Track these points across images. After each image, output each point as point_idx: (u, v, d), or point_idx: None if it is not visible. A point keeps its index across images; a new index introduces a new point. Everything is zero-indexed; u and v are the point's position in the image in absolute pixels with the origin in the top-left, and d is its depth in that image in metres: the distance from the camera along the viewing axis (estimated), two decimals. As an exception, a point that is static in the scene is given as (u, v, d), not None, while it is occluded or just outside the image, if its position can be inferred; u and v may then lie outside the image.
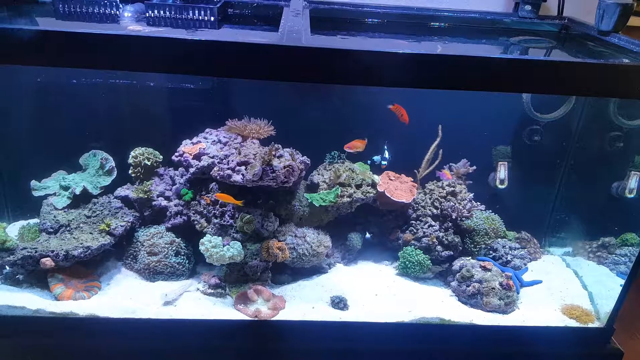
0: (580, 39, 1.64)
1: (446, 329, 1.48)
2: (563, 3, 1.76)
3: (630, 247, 1.71)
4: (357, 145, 1.58)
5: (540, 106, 1.68)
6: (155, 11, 1.49)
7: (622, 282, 1.48)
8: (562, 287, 1.67)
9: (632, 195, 1.71)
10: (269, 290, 1.53)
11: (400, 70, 1.09)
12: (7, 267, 1.47)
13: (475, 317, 1.50)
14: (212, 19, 1.50)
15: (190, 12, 1.50)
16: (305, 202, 1.64)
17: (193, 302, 1.49)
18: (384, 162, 1.66)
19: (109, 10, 1.49)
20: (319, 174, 1.70)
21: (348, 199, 1.63)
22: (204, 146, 1.59)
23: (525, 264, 1.71)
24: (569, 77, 1.12)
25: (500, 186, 1.76)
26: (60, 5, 1.47)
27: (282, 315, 1.46)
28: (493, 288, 1.53)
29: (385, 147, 1.66)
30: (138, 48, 1.04)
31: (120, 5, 1.49)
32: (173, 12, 1.50)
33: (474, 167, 1.73)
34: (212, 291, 1.53)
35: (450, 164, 1.75)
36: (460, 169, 1.74)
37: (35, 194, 1.60)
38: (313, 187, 1.68)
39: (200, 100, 1.69)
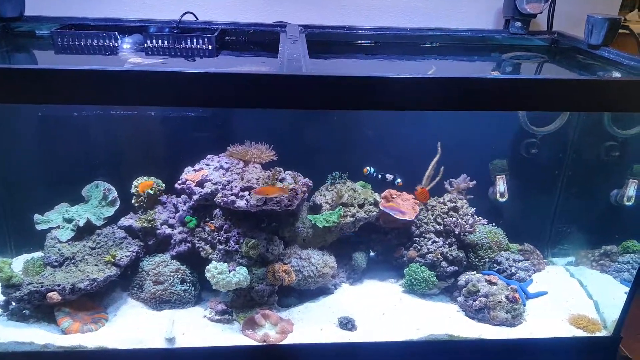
0: (570, 52, 1.68)
1: (455, 345, 1.48)
2: (552, 18, 1.81)
3: (632, 255, 1.73)
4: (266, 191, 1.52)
5: (536, 119, 1.71)
6: (154, 41, 1.51)
7: (627, 289, 1.50)
8: (567, 297, 1.68)
9: (630, 203, 1.73)
10: (276, 314, 1.53)
11: (400, 94, 1.11)
12: (14, 303, 1.47)
13: (484, 332, 1.50)
14: (210, 47, 1.52)
15: (189, 41, 1.52)
16: (308, 223, 1.65)
17: (200, 329, 1.49)
18: (398, 180, 1.71)
19: (108, 42, 1.51)
20: (321, 195, 1.71)
21: (351, 219, 1.64)
22: (207, 173, 1.60)
23: (529, 276, 1.72)
24: (568, 94, 1.14)
25: (500, 199, 1.78)
26: (59, 39, 1.49)
27: (290, 339, 1.46)
28: (499, 302, 1.53)
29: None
30: (140, 83, 1.05)
31: (119, 37, 1.51)
32: (171, 42, 1.52)
33: (474, 182, 1.75)
34: (219, 317, 1.53)
35: (451, 179, 1.77)
36: (460, 184, 1.76)
37: (39, 227, 1.59)
38: (316, 208, 1.69)
39: (201, 127, 1.71)
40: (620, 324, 1.50)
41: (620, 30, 1.56)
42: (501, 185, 1.78)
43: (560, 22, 1.82)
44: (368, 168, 1.70)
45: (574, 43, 1.67)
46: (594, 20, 1.52)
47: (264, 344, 1.43)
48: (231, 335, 1.47)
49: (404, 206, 1.70)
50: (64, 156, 1.69)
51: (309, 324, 1.52)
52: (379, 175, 1.70)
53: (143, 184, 1.59)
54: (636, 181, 1.73)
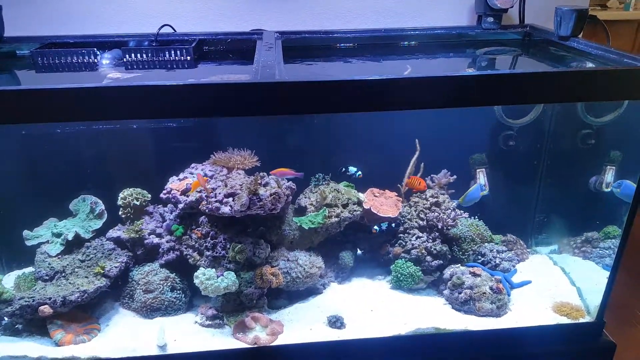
0: (542, 44, 1.72)
1: (442, 338, 1.51)
2: (523, 12, 1.85)
3: (612, 240, 1.76)
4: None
5: (511, 112, 1.75)
6: (132, 55, 1.54)
7: (608, 274, 1.53)
8: (551, 285, 1.71)
9: (609, 189, 1.77)
10: (266, 316, 1.55)
11: (373, 95, 1.14)
12: (6, 318, 1.49)
13: (470, 323, 1.53)
14: (189, 58, 1.55)
15: (167, 53, 1.55)
16: (294, 225, 1.67)
17: (192, 335, 1.51)
18: (359, 173, 1.73)
19: (88, 58, 1.54)
20: (305, 197, 1.74)
21: (336, 219, 1.67)
22: (191, 181, 1.63)
23: (513, 266, 1.75)
24: (541, 87, 1.17)
25: (482, 193, 1.81)
26: (39, 58, 1.51)
27: (281, 340, 1.49)
28: (484, 293, 1.56)
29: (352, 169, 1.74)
30: (119, 98, 1.08)
31: (98, 53, 1.54)
32: (150, 55, 1.55)
33: (455, 177, 1.78)
34: (210, 322, 1.55)
35: (432, 175, 1.80)
36: (441, 179, 1.79)
37: (28, 243, 1.62)
38: (301, 211, 1.72)
39: (184, 137, 1.74)
40: (603, 309, 1.53)
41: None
42: (482, 178, 1.81)
43: (531, 15, 1.85)
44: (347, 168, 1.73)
45: (545, 35, 1.70)
46: (562, 12, 1.56)
47: (255, 346, 1.46)
48: (222, 339, 1.49)
49: (386, 204, 1.73)
50: (50, 172, 1.71)
51: (299, 324, 1.55)
52: (343, 169, 1.72)
53: (195, 182, 1.57)
54: (613, 167, 1.76)
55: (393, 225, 1.68)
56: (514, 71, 1.39)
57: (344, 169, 1.72)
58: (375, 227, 1.68)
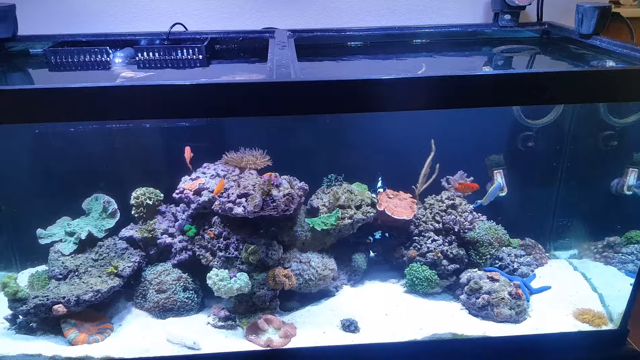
0: (562, 42, 1.67)
1: (460, 344, 1.47)
2: (541, 9, 1.80)
3: (635, 245, 1.70)
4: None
5: (531, 112, 1.70)
6: (145, 54, 1.53)
7: (632, 281, 1.47)
8: (571, 291, 1.66)
9: (631, 192, 1.71)
10: (279, 318, 1.53)
11: (390, 95, 1.11)
12: (21, 317, 1.49)
13: (488, 329, 1.49)
14: (201, 57, 1.53)
15: (179, 52, 1.54)
16: (306, 227, 1.65)
17: (205, 336, 1.50)
18: (380, 190, 1.71)
19: (100, 57, 1.53)
20: (318, 198, 1.72)
21: (349, 221, 1.64)
22: (204, 181, 1.61)
23: (532, 271, 1.70)
24: (562, 87, 1.12)
25: (500, 194, 1.77)
26: (53, 57, 1.51)
27: (294, 343, 1.47)
28: (503, 298, 1.52)
29: (380, 178, 1.72)
30: (133, 97, 1.06)
31: (111, 52, 1.53)
32: (162, 54, 1.53)
33: (471, 178, 1.74)
34: (223, 324, 1.54)
35: (447, 176, 1.76)
36: (457, 181, 1.75)
37: (42, 242, 1.62)
38: (313, 212, 1.70)
39: (196, 136, 1.73)
40: (627, 317, 1.48)
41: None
42: (499, 179, 1.77)
43: (550, 13, 1.80)
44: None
45: (565, 33, 1.65)
46: (584, 10, 1.51)
47: (268, 348, 1.44)
48: (235, 341, 1.48)
49: (401, 206, 1.70)
50: (63, 171, 1.71)
51: (312, 327, 1.53)
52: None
53: (219, 185, 1.55)
54: (636, 170, 1.70)
55: (386, 235, 1.66)
56: (535, 70, 1.35)
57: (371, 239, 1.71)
58: (370, 237, 1.66)
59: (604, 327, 1.51)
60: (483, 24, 1.81)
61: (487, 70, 1.50)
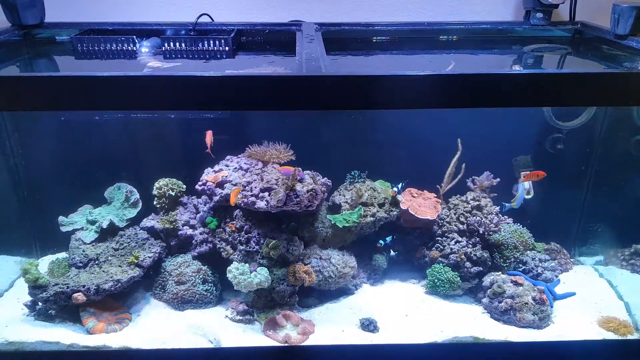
0: (595, 42, 1.62)
1: (481, 348, 1.45)
2: (575, 8, 1.75)
3: (665, 253, 1.66)
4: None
5: (562, 114, 1.66)
6: (171, 44, 1.52)
7: (660, 290, 1.44)
8: (596, 298, 1.62)
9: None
10: (298, 314, 1.52)
11: (421, 92, 1.08)
12: (40, 304, 1.50)
13: (510, 334, 1.47)
14: (227, 48, 1.52)
15: (205, 43, 1.52)
16: (327, 223, 1.63)
17: (223, 329, 1.49)
18: (394, 188, 1.68)
19: (127, 46, 1.52)
20: (340, 195, 1.70)
21: (371, 219, 1.62)
22: (226, 174, 1.60)
23: (556, 276, 1.67)
24: (595, 89, 1.10)
25: (526, 196, 1.73)
26: (79, 45, 1.51)
27: (312, 340, 1.45)
28: (526, 303, 1.49)
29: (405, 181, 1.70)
30: (160, 88, 1.05)
31: (137, 41, 1.52)
32: (188, 44, 1.52)
33: (498, 179, 1.70)
34: (241, 318, 1.53)
35: (473, 177, 1.73)
36: (483, 182, 1.71)
37: (63, 229, 1.63)
38: (335, 208, 1.68)
39: (220, 128, 1.71)
40: (654, 326, 1.45)
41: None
42: (526, 181, 1.73)
43: (583, 12, 1.75)
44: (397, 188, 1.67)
45: (598, 33, 1.60)
46: (621, 9, 1.46)
47: (286, 344, 1.43)
48: (253, 336, 1.47)
49: (425, 205, 1.67)
50: (87, 159, 1.71)
51: (330, 325, 1.51)
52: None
53: (234, 192, 1.54)
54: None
55: (395, 237, 1.66)
56: (568, 70, 1.31)
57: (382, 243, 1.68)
58: (380, 241, 1.65)
59: (629, 337, 1.47)
60: (514, 22, 1.77)
61: (518, 69, 1.46)
